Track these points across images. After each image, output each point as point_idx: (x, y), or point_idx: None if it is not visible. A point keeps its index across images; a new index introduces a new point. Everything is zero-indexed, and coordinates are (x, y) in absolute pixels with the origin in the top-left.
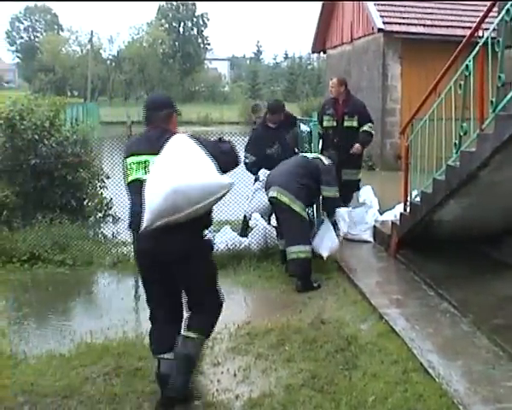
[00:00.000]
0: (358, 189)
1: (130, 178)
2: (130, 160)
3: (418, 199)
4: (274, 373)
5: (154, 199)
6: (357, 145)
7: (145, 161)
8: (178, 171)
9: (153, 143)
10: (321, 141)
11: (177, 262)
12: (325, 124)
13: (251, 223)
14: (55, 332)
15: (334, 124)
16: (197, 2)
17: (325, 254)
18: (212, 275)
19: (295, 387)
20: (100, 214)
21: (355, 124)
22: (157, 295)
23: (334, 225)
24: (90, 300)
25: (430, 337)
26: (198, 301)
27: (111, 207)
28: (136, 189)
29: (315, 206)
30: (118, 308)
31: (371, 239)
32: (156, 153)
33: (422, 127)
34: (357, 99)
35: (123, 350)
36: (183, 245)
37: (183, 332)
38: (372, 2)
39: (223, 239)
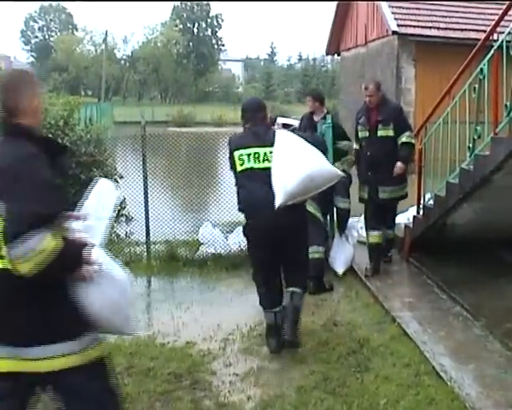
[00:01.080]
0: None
1: (241, 168)
2: (239, 152)
3: (431, 202)
4: (286, 375)
5: (289, 182)
6: (398, 165)
7: (255, 153)
8: (309, 160)
9: (260, 137)
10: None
11: (292, 232)
12: (359, 135)
13: None
14: None
15: (367, 134)
16: (212, 3)
17: (340, 271)
18: (307, 241)
19: (307, 389)
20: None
21: (391, 133)
22: (269, 261)
23: (346, 237)
24: None
25: (442, 341)
26: (298, 261)
27: (124, 207)
28: (248, 176)
29: (329, 218)
30: None
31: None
32: (265, 145)
33: (436, 130)
34: (393, 102)
35: (135, 350)
36: (298, 219)
37: (289, 289)
38: (387, 5)
39: (236, 240)
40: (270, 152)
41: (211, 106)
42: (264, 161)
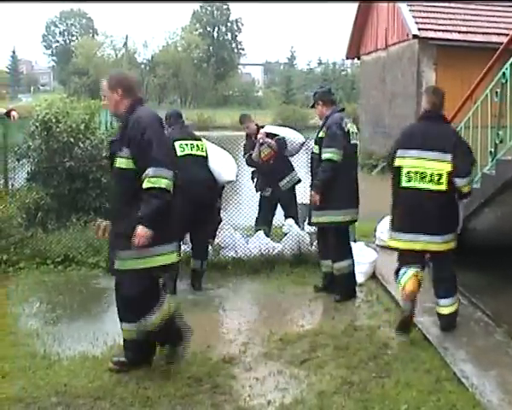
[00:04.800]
0: None
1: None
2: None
3: None
4: (306, 379)
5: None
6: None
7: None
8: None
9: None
10: None
11: None
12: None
13: (284, 229)
14: (88, 334)
15: None
16: (232, 8)
17: (361, 280)
18: None
19: (327, 394)
20: None
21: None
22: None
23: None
24: None
25: (463, 347)
26: None
27: None
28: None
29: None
30: None
31: None
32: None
33: None
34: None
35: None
36: None
37: None
38: (407, 8)
39: (256, 244)
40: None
41: (230, 110)
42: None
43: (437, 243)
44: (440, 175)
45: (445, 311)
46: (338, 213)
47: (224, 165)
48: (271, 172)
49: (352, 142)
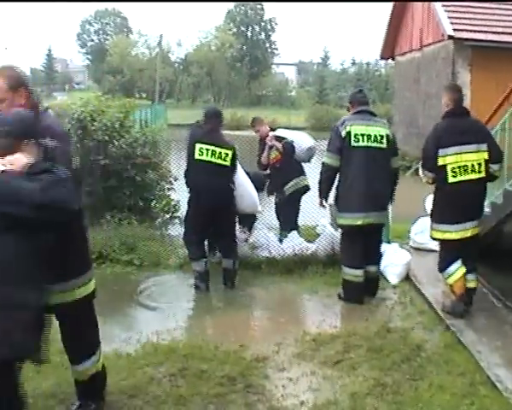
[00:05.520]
0: None
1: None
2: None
3: (488, 210)
4: (339, 381)
5: None
6: None
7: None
8: None
9: None
10: None
11: None
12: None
13: (318, 229)
14: (122, 332)
15: None
16: (266, 7)
17: (395, 282)
18: None
19: (360, 395)
20: (167, 216)
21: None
22: None
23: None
24: (156, 301)
25: (498, 350)
26: None
27: (178, 209)
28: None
29: None
30: (184, 310)
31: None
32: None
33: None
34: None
35: (189, 352)
36: None
37: None
38: (443, 9)
39: (290, 244)
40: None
41: (264, 109)
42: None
43: (477, 226)
44: (480, 164)
45: (472, 284)
46: (346, 217)
47: (246, 197)
48: (278, 175)
49: (356, 144)
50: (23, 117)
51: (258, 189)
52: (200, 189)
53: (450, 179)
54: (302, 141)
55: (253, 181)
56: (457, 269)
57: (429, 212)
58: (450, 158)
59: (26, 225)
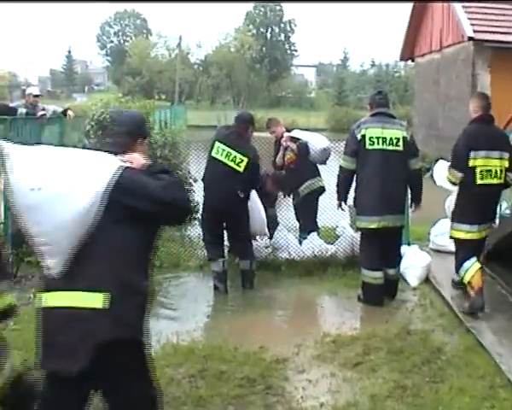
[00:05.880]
0: None
1: None
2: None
3: (508, 211)
4: (359, 382)
5: None
6: None
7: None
8: None
9: None
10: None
11: None
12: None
13: (338, 231)
14: None
15: None
16: (285, 9)
17: (415, 284)
18: None
19: (380, 397)
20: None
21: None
22: None
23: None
24: (176, 302)
25: None
26: None
27: (198, 211)
28: None
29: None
30: (204, 311)
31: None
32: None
33: None
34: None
35: (208, 353)
36: None
37: None
38: (463, 10)
39: (309, 246)
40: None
41: (283, 111)
42: None
43: (490, 228)
44: (501, 171)
45: None
46: (362, 219)
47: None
48: (293, 176)
49: (371, 147)
50: (138, 117)
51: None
52: (208, 188)
53: (478, 181)
54: (317, 142)
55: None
56: (473, 264)
57: (450, 213)
58: (480, 161)
59: (145, 219)
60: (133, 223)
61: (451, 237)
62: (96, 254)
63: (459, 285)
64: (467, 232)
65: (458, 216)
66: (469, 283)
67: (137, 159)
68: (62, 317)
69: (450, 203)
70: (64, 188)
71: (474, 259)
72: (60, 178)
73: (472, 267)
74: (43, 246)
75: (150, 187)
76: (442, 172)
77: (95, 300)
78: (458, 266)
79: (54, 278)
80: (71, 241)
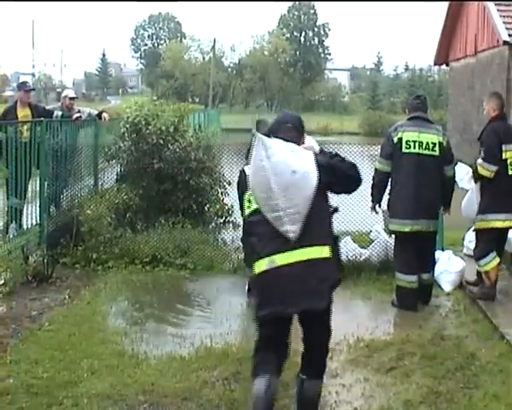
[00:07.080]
0: None
1: None
2: None
3: None
4: (393, 388)
5: None
6: None
7: None
8: None
9: None
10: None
11: None
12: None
13: (372, 235)
14: (175, 335)
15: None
16: (319, 12)
17: (448, 289)
18: None
19: (414, 403)
20: (220, 220)
21: None
22: None
23: None
24: (210, 304)
25: None
26: None
27: (231, 214)
28: None
29: None
30: (237, 314)
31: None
32: None
33: None
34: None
35: (242, 356)
36: None
37: None
38: (498, 14)
39: (343, 250)
40: None
41: (317, 115)
42: None
43: None
44: None
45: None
46: (395, 222)
47: None
48: None
49: (407, 151)
50: (299, 116)
51: None
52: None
53: (510, 172)
54: (309, 145)
55: None
56: (494, 258)
57: (465, 213)
58: (510, 153)
59: (329, 189)
60: (322, 193)
61: (478, 230)
62: (315, 218)
63: (472, 284)
64: (503, 221)
65: (485, 207)
66: (487, 272)
67: (314, 147)
68: (297, 269)
69: (466, 202)
70: (304, 169)
71: (494, 253)
72: (299, 162)
73: (493, 261)
74: (292, 215)
75: (343, 167)
76: (461, 174)
77: (323, 252)
78: (480, 257)
79: (280, 243)
80: (307, 210)
